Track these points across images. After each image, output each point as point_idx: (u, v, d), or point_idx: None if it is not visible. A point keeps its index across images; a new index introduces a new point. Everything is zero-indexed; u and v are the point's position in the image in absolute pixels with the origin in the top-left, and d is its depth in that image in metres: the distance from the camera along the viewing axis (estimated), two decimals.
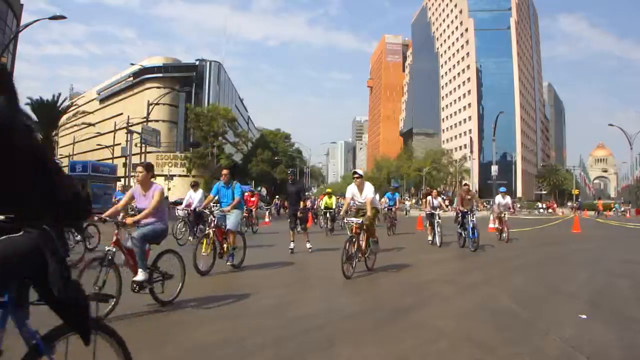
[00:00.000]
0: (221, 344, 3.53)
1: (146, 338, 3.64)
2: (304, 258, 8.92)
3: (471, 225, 10.33)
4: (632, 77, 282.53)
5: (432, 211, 11.79)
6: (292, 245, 9.53)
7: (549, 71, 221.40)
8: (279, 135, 76.85)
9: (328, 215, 15.73)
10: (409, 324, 4.23)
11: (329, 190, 18.71)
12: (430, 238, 11.79)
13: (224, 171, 7.56)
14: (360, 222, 6.93)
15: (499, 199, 13.38)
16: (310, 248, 9.76)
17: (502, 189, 13.86)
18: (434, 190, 13.14)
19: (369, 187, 7.39)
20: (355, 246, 6.81)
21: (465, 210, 10.56)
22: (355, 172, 7.70)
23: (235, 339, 3.64)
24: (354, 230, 6.92)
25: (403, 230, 16.30)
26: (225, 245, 7.10)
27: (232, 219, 7.18)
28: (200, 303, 4.86)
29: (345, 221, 7.71)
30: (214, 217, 7.16)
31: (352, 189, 7.49)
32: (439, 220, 11.46)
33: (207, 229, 7.11)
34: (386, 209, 15.38)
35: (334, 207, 16.17)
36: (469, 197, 11.07)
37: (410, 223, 20.24)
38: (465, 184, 12.08)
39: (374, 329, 4.06)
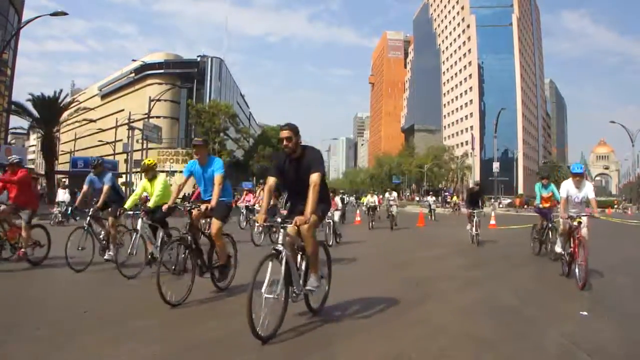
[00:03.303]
0: (216, 343, 3.48)
1: (143, 336, 3.65)
2: None
3: None
4: (634, 74, 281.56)
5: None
6: None
7: (550, 68, 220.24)
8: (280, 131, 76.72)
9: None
10: (409, 321, 4.22)
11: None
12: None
13: None
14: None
15: (568, 185, 6.39)
16: None
17: (577, 165, 6.61)
18: None
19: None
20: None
21: None
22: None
23: (229, 337, 3.60)
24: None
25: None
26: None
27: None
28: (194, 301, 4.70)
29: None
30: None
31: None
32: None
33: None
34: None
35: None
36: None
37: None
38: None
39: (374, 325, 4.05)
